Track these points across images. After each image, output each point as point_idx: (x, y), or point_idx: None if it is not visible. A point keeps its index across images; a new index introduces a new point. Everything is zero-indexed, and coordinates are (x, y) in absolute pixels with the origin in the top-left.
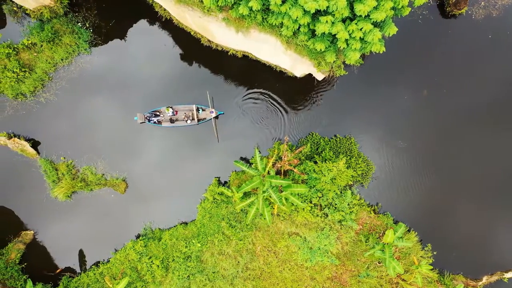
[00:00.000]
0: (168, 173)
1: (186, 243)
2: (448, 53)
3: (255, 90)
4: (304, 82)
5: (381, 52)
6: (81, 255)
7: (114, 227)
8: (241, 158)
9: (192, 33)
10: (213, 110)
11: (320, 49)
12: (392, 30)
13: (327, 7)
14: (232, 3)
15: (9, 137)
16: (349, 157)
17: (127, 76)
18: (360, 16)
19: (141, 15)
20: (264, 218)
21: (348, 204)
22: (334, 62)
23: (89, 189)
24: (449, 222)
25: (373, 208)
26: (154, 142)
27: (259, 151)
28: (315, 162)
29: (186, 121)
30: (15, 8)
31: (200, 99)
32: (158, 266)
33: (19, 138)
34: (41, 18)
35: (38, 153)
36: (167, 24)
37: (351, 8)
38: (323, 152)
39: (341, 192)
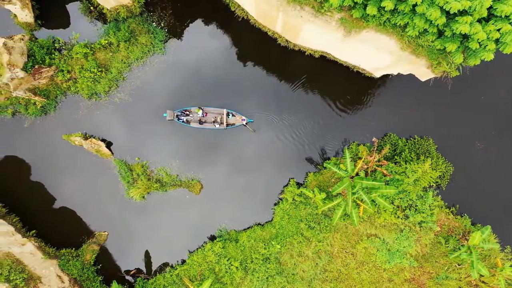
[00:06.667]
0: (239, 175)
1: (264, 244)
2: None
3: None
4: (378, 83)
5: (508, 53)
6: (154, 256)
7: (188, 228)
8: (306, 159)
9: (269, 33)
10: (244, 118)
11: (450, 50)
12: None
13: (469, 7)
14: (359, 2)
15: (85, 138)
16: (428, 158)
17: (193, 75)
18: (499, 16)
19: (215, 14)
20: (352, 220)
21: (429, 206)
22: (453, 63)
23: (164, 190)
24: None
25: (451, 209)
26: (224, 144)
27: (349, 152)
28: (395, 163)
29: (214, 124)
30: (91, 8)
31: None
32: (237, 267)
33: (94, 138)
34: (116, 17)
35: (112, 153)
36: (242, 24)
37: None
38: (402, 153)
39: (421, 194)
